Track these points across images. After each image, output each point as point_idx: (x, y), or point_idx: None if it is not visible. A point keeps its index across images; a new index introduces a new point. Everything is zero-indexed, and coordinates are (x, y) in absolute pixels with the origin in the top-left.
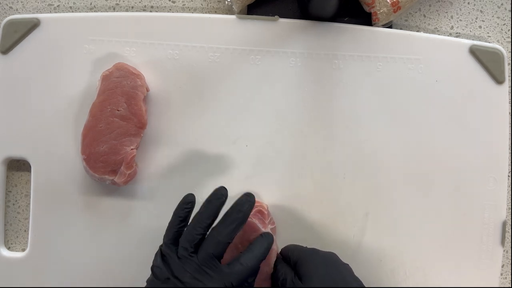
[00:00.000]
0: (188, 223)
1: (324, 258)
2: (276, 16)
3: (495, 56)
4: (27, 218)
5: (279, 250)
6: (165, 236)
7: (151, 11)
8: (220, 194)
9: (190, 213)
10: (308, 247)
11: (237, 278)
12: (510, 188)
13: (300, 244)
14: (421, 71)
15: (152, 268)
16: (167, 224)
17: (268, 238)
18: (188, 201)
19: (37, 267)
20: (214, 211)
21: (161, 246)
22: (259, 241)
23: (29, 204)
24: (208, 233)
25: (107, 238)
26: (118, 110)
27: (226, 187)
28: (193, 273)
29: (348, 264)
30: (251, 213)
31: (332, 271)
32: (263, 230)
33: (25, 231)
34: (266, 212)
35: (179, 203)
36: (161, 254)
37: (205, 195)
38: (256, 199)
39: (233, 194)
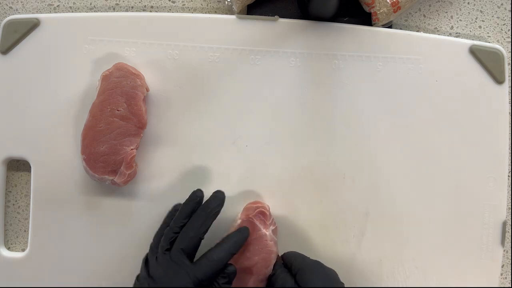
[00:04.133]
0: None
1: (326, 272)
2: (276, 16)
3: (495, 56)
4: (27, 218)
5: (279, 252)
6: (151, 243)
7: (151, 11)
8: (195, 196)
9: None
10: (312, 258)
11: (203, 272)
12: (510, 188)
13: (300, 243)
14: (421, 71)
15: (137, 275)
16: None
17: (241, 233)
18: (176, 209)
19: (37, 267)
20: (189, 211)
21: (147, 253)
22: (230, 236)
23: (29, 204)
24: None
25: (107, 238)
26: (118, 110)
27: (202, 190)
28: (165, 269)
29: (343, 283)
30: (253, 214)
31: (331, 286)
32: (264, 231)
33: (25, 231)
34: (268, 213)
35: (169, 211)
36: (146, 259)
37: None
38: (257, 199)
39: (233, 194)
